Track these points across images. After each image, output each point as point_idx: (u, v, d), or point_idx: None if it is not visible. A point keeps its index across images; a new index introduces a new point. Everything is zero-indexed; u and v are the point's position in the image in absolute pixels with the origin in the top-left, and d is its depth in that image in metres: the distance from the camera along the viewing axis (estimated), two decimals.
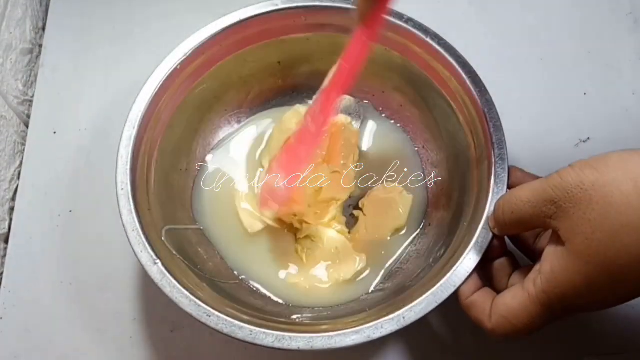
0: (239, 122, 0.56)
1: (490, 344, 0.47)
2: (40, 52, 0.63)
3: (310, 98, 0.55)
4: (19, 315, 0.51)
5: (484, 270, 0.41)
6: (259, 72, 0.54)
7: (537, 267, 0.35)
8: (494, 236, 0.40)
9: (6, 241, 0.54)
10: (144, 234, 0.42)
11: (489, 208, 0.41)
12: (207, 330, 0.49)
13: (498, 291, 0.39)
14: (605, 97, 0.58)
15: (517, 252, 0.42)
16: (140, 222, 0.43)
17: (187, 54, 0.48)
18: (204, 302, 0.40)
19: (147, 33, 0.63)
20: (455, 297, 0.39)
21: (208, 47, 0.49)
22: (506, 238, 0.41)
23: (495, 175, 0.42)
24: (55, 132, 0.58)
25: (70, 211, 0.55)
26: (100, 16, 0.64)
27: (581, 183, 0.32)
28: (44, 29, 0.65)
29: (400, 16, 0.48)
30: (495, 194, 0.41)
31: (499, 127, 0.44)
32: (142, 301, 0.51)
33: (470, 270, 0.39)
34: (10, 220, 0.55)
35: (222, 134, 0.55)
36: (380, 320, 0.38)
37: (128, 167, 0.45)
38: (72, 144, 0.58)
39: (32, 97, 0.61)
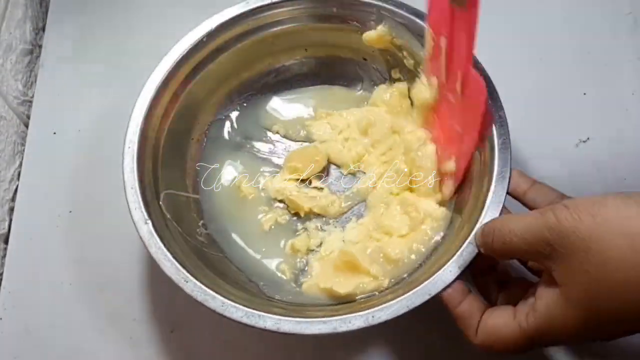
0: (258, 100, 0.57)
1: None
2: (40, 53, 0.63)
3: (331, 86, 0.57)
4: (19, 315, 0.51)
5: (474, 284, 0.41)
6: (285, 56, 0.55)
7: (530, 301, 0.36)
8: (480, 254, 0.40)
9: (6, 241, 0.54)
10: (142, 193, 0.44)
11: (480, 225, 0.41)
12: (207, 330, 0.49)
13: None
14: (605, 97, 0.58)
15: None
16: (140, 181, 0.44)
17: (214, 27, 0.50)
18: (185, 267, 0.41)
19: (147, 33, 0.63)
20: (431, 305, 0.39)
21: (236, 23, 0.50)
22: None
23: (493, 193, 0.42)
24: (55, 133, 0.58)
25: (70, 211, 0.55)
26: (99, 17, 0.64)
27: (577, 230, 0.32)
28: (43, 29, 0.65)
29: (420, 15, 0.49)
30: (490, 210, 0.41)
31: (506, 145, 0.43)
32: (142, 301, 0.51)
33: (448, 282, 0.39)
34: (10, 220, 0.55)
35: (240, 110, 0.56)
36: (350, 315, 0.39)
37: (139, 128, 0.46)
38: (71, 144, 0.58)
39: (32, 97, 0.61)
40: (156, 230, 0.43)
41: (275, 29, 0.52)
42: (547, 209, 0.34)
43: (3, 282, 0.52)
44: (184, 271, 0.41)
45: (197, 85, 0.51)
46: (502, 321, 0.37)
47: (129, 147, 0.46)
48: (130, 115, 0.46)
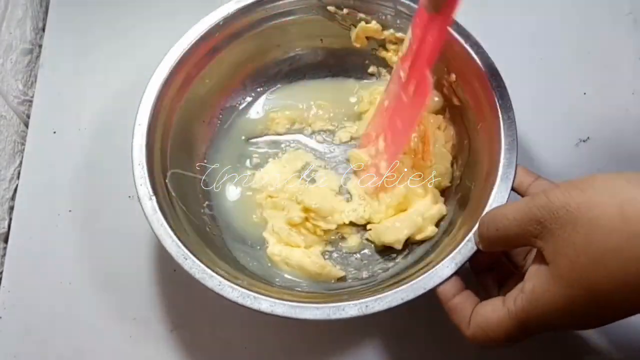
0: (272, 87, 0.57)
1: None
2: (40, 52, 0.63)
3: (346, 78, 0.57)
4: (18, 315, 0.51)
5: (477, 279, 0.41)
6: (300, 45, 0.56)
7: (520, 285, 0.35)
8: (479, 250, 0.40)
9: (6, 240, 0.54)
10: (149, 169, 0.45)
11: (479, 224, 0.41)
12: (207, 329, 0.49)
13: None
14: (605, 97, 0.58)
15: None
16: (148, 158, 0.45)
17: (231, 12, 0.50)
18: (185, 245, 0.42)
19: (146, 33, 0.63)
20: (427, 300, 0.39)
21: (254, 9, 0.51)
22: None
23: (496, 193, 0.42)
24: (55, 132, 0.58)
25: (70, 211, 0.55)
26: (99, 16, 0.64)
27: (567, 204, 0.31)
28: (43, 29, 0.65)
29: None
30: None
31: (512, 147, 0.43)
32: (143, 300, 0.51)
33: (444, 277, 0.40)
34: (10, 219, 0.55)
35: (253, 96, 0.57)
36: (344, 302, 0.40)
37: (150, 106, 0.47)
38: (71, 143, 0.58)
39: (32, 97, 0.61)
40: (160, 207, 0.43)
41: (291, 17, 0.53)
42: (540, 192, 0.34)
43: (3, 281, 0.52)
44: (184, 248, 0.42)
45: (212, 68, 0.52)
46: (491, 308, 0.36)
47: (140, 125, 0.46)
48: (143, 94, 0.47)
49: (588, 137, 0.56)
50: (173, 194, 0.47)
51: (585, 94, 0.58)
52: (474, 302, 0.38)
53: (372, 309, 0.39)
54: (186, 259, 0.41)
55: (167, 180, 0.47)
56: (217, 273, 0.41)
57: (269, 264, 0.50)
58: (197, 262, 0.41)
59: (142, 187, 0.44)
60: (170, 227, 0.43)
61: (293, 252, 0.50)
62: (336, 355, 0.49)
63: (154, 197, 0.43)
